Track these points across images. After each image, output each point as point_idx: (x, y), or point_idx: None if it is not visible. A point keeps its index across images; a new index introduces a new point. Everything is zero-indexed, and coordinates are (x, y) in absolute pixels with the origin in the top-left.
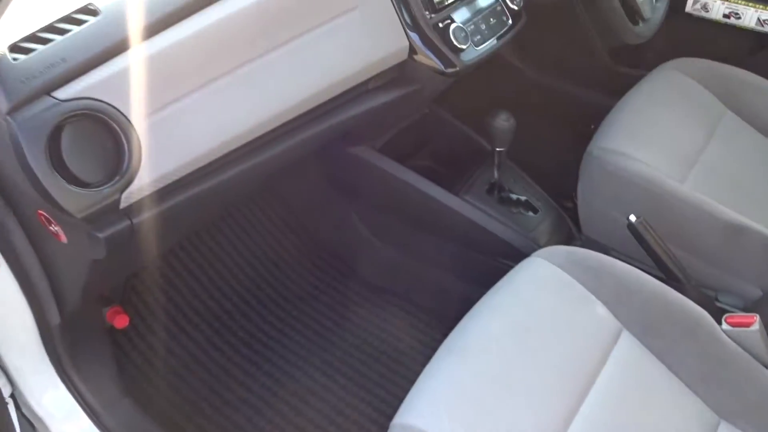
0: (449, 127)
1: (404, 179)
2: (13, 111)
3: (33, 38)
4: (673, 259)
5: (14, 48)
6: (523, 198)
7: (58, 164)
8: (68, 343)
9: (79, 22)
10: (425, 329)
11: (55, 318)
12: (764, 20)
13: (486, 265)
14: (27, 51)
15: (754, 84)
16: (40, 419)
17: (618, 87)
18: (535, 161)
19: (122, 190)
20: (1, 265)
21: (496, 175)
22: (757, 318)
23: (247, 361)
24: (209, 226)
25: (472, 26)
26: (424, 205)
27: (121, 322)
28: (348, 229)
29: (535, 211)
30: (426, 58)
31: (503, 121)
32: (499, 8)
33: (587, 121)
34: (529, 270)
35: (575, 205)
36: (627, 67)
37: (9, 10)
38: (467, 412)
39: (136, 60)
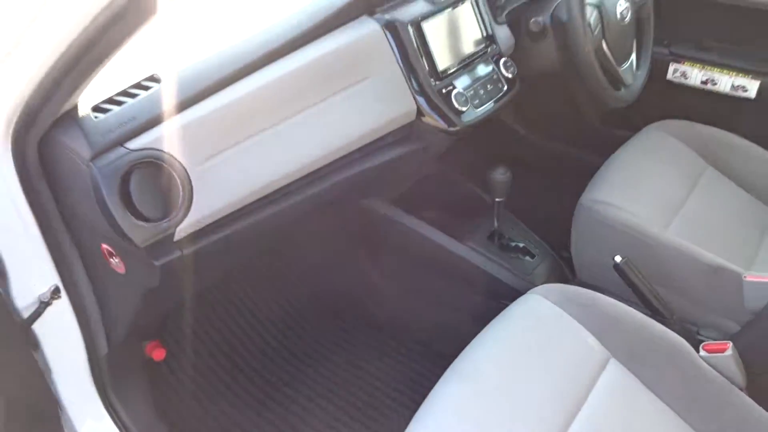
0: (454, 182)
1: (415, 228)
2: (94, 158)
3: (110, 101)
4: (657, 296)
5: (95, 108)
6: (521, 244)
7: (127, 202)
8: (112, 372)
9: (146, 88)
10: (431, 367)
11: (103, 348)
12: (737, 86)
13: (488, 305)
14: (105, 111)
15: (731, 142)
16: None
17: (609, 147)
18: (533, 213)
19: (177, 225)
20: (63, 298)
21: (495, 224)
22: (730, 344)
23: (266, 396)
24: (236, 274)
25: (472, 91)
26: (433, 251)
27: (159, 354)
28: (360, 276)
29: (532, 256)
30: (432, 119)
31: (501, 175)
32: (495, 76)
33: (581, 178)
34: (526, 305)
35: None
36: (617, 129)
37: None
38: (469, 428)
39: (189, 119)
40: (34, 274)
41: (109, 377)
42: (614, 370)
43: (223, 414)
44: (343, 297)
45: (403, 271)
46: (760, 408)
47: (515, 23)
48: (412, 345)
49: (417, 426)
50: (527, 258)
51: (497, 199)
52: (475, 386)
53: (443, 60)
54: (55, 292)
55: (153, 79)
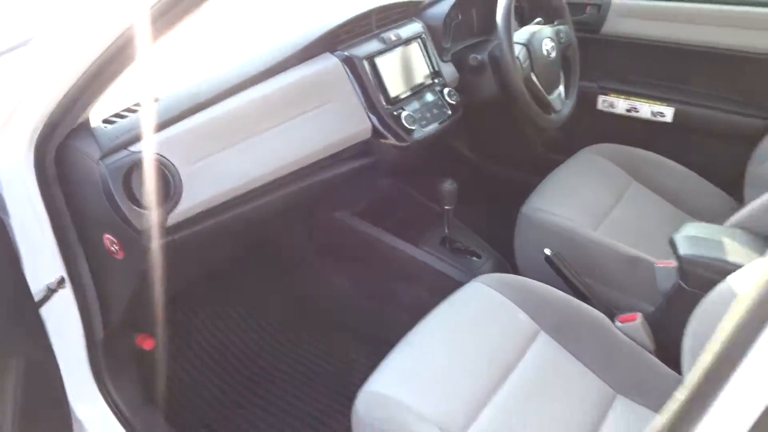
0: (411, 198)
1: (377, 236)
2: (103, 157)
3: (117, 115)
4: (582, 282)
5: (105, 120)
6: (469, 247)
7: (129, 193)
8: (107, 357)
9: (147, 105)
10: None
11: (99, 334)
12: (656, 112)
13: (441, 301)
14: (113, 122)
15: (653, 160)
16: (78, 421)
17: (549, 170)
18: (481, 225)
19: (169, 213)
20: (67, 287)
21: (446, 230)
22: (639, 315)
23: (240, 384)
24: (212, 281)
25: (420, 114)
26: (393, 255)
27: (149, 344)
28: (329, 280)
29: (479, 256)
30: (384, 136)
31: (449, 185)
32: (440, 102)
33: (524, 196)
34: (469, 290)
35: None
36: (556, 153)
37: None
38: (417, 384)
39: (181, 129)
40: (45, 266)
41: (104, 362)
42: (543, 341)
43: (202, 399)
44: (315, 300)
45: (368, 275)
46: (667, 367)
47: (460, 62)
48: (373, 340)
49: (368, 388)
50: (475, 258)
51: (446, 207)
52: (421, 354)
53: (394, 88)
54: (61, 282)
55: (152, 98)
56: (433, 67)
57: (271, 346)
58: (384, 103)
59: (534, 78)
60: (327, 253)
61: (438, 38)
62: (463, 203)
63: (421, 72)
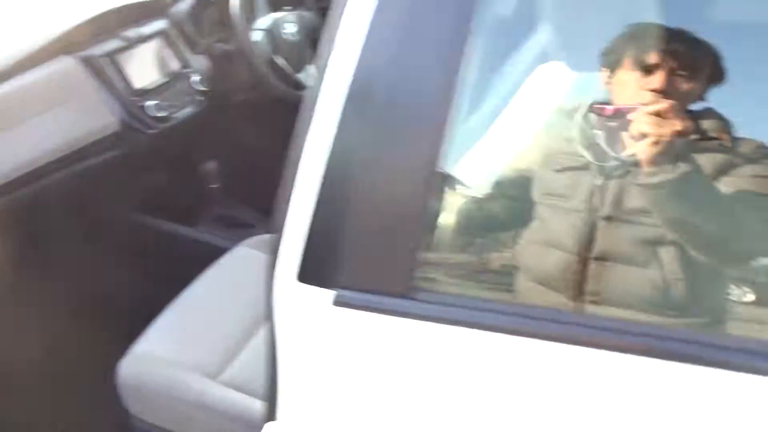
0: (184, 184)
1: (156, 226)
2: None
3: None
4: None
5: None
6: (244, 220)
7: None
8: None
9: None
10: None
11: None
12: None
13: None
14: None
15: None
16: None
17: None
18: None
19: None
20: None
21: (218, 208)
22: None
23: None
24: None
25: (168, 103)
26: (174, 241)
27: None
28: (112, 276)
29: (253, 225)
30: (132, 126)
31: (209, 166)
32: (190, 90)
33: None
34: (233, 253)
35: None
36: None
37: None
38: (175, 338)
39: None
40: None
41: None
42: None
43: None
44: (102, 297)
45: (152, 264)
46: None
47: (212, 53)
48: None
49: (130, 352)
50: (249, 228)
51: (212, 186)
52: (181, 313)
53: (140, 81)
54: None
55: None
56: (182, 60)
57: (60, 347)
58: (129, 96)
59: (279, 60)
60: (108, 249)
61: (187, 32)
62: (242, 182)
63: (168, 64)
